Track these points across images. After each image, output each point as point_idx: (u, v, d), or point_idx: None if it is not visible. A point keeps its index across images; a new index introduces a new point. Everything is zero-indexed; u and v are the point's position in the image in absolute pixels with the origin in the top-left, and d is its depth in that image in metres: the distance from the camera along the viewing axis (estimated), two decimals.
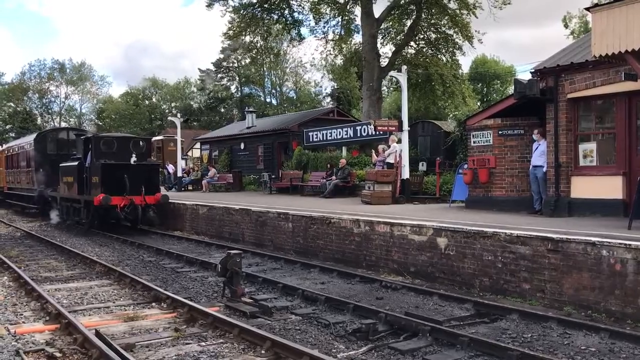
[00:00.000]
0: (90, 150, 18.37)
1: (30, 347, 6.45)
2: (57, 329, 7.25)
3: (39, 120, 73.29)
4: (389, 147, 18.18)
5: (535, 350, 6.30)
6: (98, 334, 6.55)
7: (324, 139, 25.08)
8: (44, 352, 6.28)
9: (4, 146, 34.16)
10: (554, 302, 8.25)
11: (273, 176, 25.98)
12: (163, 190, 21.53)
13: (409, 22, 28.99)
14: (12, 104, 72.79)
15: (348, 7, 28.76)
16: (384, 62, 28.32)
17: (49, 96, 76.08)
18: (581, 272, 7.98)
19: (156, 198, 18.10)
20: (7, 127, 71.27)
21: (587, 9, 9.95)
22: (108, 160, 17.93)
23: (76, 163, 19.22)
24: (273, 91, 69.32)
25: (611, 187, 11.20)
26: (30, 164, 23.95)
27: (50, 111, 76.69)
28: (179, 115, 54.46)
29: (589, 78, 11.55)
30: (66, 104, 77.54)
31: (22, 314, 8.13)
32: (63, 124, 67.78)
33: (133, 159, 17.99)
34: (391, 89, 46.15)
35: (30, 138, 25.49)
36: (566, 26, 50.16)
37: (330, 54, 31.25)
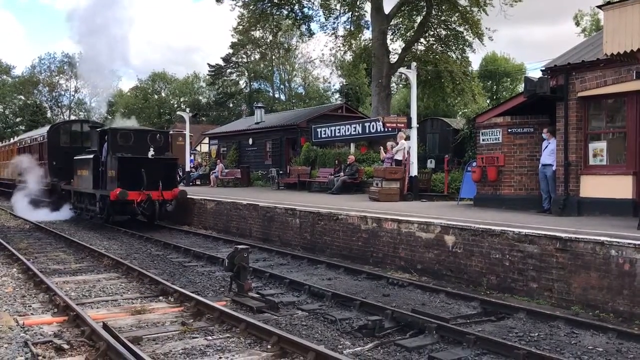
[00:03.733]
0: (107, 143, 17.89)
1: (39, 339, 6.51)
2: (65, 321, 7.30)
3: (49, 114, 73.67)
4: (397, 144, 18.13)
5: (542, 350, 6.28)
6: (105, 326, 6.59)
7: (333, 135, 25.05)
8: (52, 344, 6.32)
9: (16, 138, 33.98)
10: (562, 302, 8.22)
11: (281, 172, 26.01)
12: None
13: (419, 19, 28.88)
14: (22, 97, 73.23)
15: (358, 3, 28.68)
16: (393, 58, 28.22)
17: (58, 89, 76.54)
18: (589, 272, 7.94)
19: (174, 193, 17.63)
20: (18, 120, 71.72)
21: (599, 6, 9.89)
22: (125, 154, 17.41)
23: (91, 156, 18.74)
24: (282, 87, 69.41)
25: (621, 187, 11.12)
26: (43, 156, 23.65)
27: (60, 104, 77.11)
28: (187, 110, 54.59)
29: (600, 76, 11.46)
30: (76, 97, 78.01)
31: (30, 306, 8.20)
32: (72, 117, 68.06)
33: (151, 152, 17.50)
34: (400, 85, 46.10)
35: (43, 130, 25.16)
36: (578, 24, 49.88)
37: (340, 50, 31.19)
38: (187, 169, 30.96)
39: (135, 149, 17.70)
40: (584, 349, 6.44)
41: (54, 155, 22.62)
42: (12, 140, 34.91)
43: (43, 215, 21.41)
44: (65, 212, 21.47)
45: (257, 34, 33.57)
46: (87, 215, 19.66)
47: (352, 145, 24.53)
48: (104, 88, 22.94)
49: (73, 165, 20.38)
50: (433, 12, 27.71)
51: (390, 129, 19.19)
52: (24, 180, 27.30)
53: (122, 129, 18.82)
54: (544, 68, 12.69)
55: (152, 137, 18.31)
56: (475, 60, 73.30)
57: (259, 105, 36.34)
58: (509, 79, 57.01)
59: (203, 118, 69.20)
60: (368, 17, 28.52)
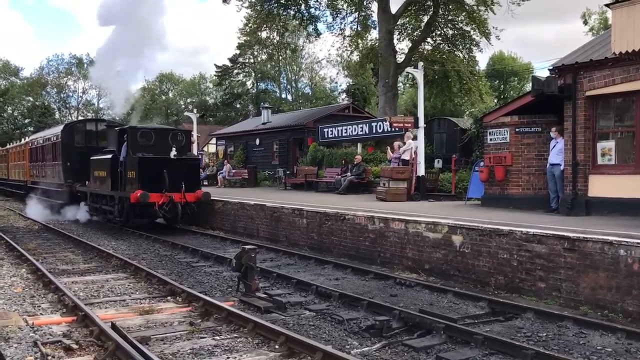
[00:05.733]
0: (126, 143, 17.04)
1: (48, 339, 6.55)
2: (73, 321, 7.33)
3: (57, 115, 74.01)
4: (404, 143, 18.11)
5: (551, 350, 6.26)
6: (114, 326, 6.62)
7: (339, 135, 25.04)
8: (61, 344, 6.36)
9: (28, 138, 33.47)
10: (570, 302, 8.18)
11: (288, 172, 26.04)
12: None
13: (425, 18, 28.84)
14: (30, 99, 73.63)
15: (365, 3, 28.70)
16: (400, 58, 28.20)
17: (66, 91, 76.97)
18: (598, 272, 7.90)
19: (197, 195, 16.82)
20: (26, 121, 72.10)
21: (607, 5, 9.81)
22: (146, 154, 16.56)
23: (109, 156, 17.98)
24: (288, 87, 69.46)
25: (630, 187, 11.05)
26: (57, 157, 22.84)
27: (67, 105, 77.53)
28: (195, 110, 54.82)
29: (608, 75, 11.40)
30: (84, 98, 78.38)
31: (39, 306, 8.25)
32: (80, 118, 68.28)
33: (173, 152, 16.55)
34: (407, 85, 46.03)
35: (57, 130, 24.28)
36: (585, 23, 49.61)
37: (347, 50, 31.20)
38: None
39: (157, 149, 16.87)
40: (592, 349, 6.41)
41: (68, 155, 21.77)
42: (23, 141, 34.40)
43: (58, 218, 21.03)
44: (80, 215, 20.81)
45: (264, 34, 33.54)
46: (104, 218, 19.09)
47: (359, 145, 24.52)
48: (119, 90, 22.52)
49: (89, 166, 19.58)
50: (440, 11, 27.68)
51: (397, 129, 19.18)
52: (37, 181, 27.00)
53: (143, 127, 17.88)
54: (551, 67, 12.64)
55: (174, 137, 17.43)
56: (483, 60, 73.21)
57: (266, 105, 36.47)
58: (516, 78, 56.88)
59: (210, 119, 69.35)
60: (375, 17, 28.53)
